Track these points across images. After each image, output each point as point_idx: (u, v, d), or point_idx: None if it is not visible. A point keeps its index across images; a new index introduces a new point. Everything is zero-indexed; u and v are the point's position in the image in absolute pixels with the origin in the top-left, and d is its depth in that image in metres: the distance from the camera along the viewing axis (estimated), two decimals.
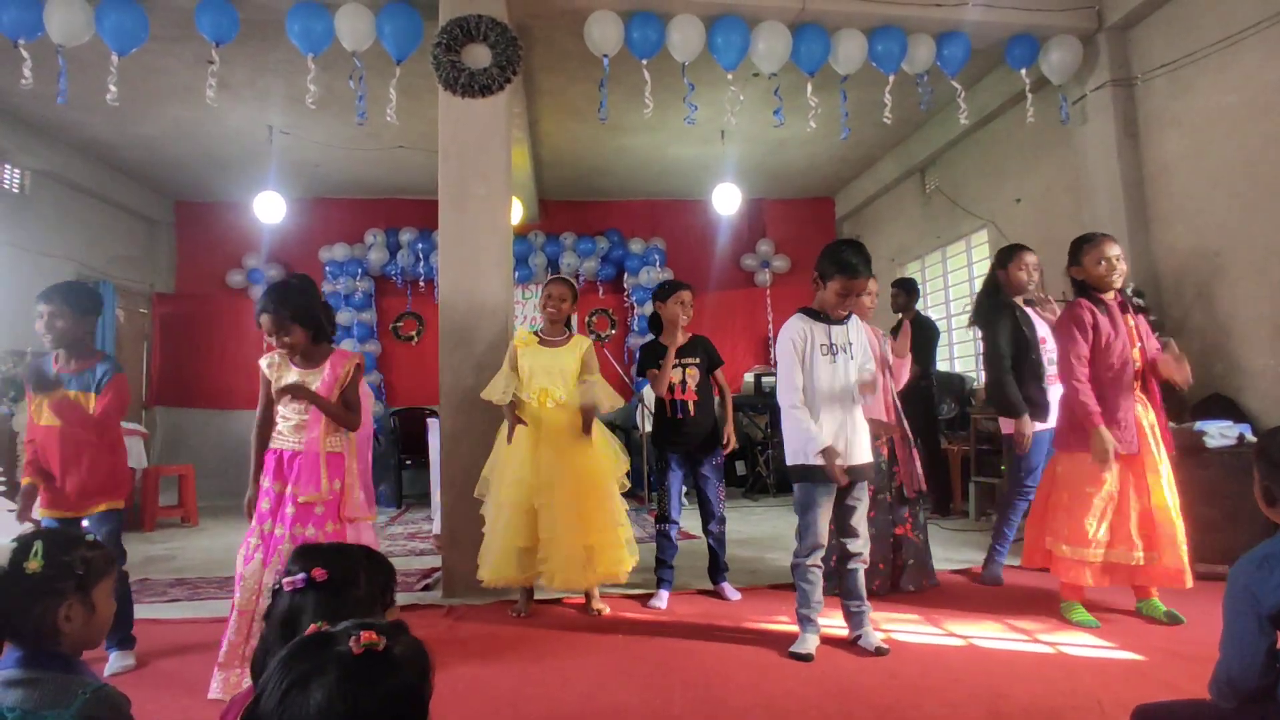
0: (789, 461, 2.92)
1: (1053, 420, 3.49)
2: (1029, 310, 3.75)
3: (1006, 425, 3.76)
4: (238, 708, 1.35)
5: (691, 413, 3.68)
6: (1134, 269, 4.80)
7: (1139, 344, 3.08)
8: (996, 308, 3.75)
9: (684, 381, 3.69)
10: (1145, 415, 3.06)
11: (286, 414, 2.73)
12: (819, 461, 2.75)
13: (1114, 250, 3.08)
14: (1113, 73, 4.95)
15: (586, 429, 3.43)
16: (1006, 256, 3.84)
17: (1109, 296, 3.11)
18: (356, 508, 2.70)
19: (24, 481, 2.87)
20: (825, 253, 2.91)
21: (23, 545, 1.38)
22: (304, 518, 2.60)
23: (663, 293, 3.79)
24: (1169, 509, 2.95)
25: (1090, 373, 3.03)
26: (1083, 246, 3.13)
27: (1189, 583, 2.91)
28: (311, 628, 1.02)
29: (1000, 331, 3.66)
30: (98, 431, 2.85)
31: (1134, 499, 2.96)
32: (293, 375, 2.73)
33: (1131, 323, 3.10)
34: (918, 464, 3.69)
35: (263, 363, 2.80)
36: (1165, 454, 3.04)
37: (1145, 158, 4.90)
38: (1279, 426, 1.85)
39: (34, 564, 1.36)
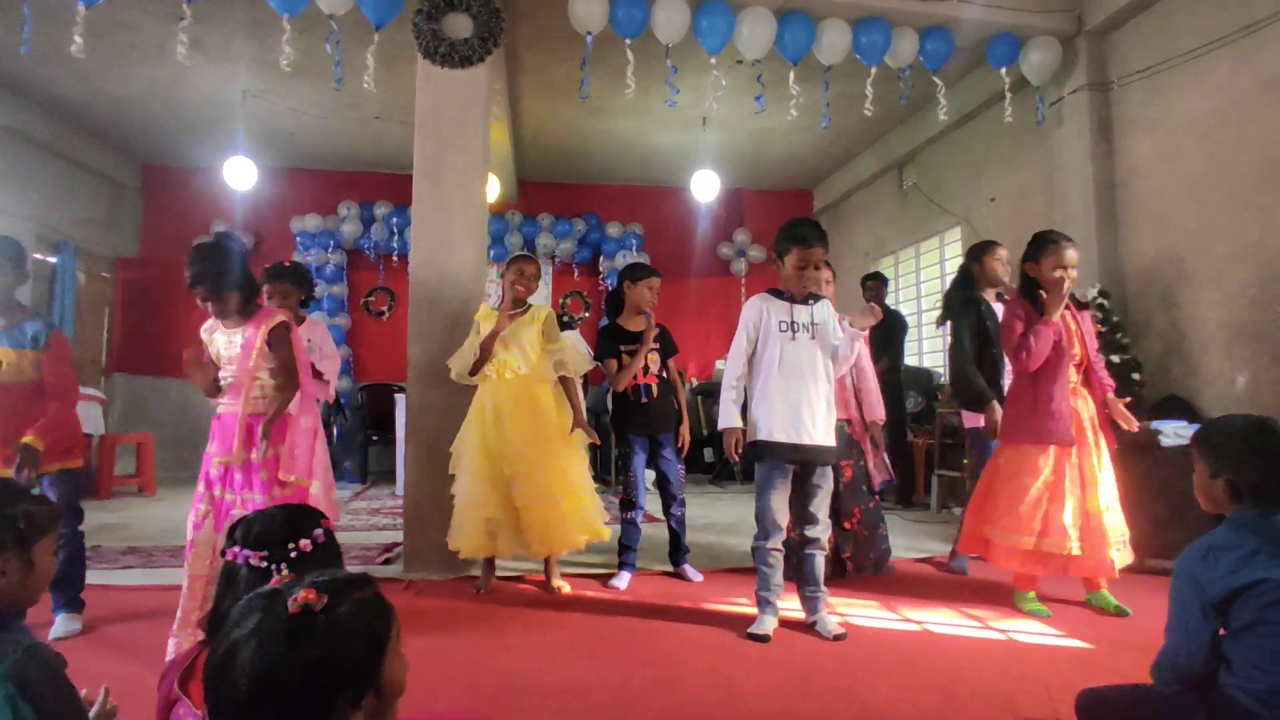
0: (749, 438, 2.92)
1: None
2: (995, 305, 3.80)
3: (970, 419, 3.81)
4: (175, 669, 1.33)
5: (655, 394, 3.69)
6: (1100, 271, 4.89)
7: (1077, 341, 3.12)
8: (964, 301, 3.79)
9: (645, 366, 3.69)
10: (1085, 409, 3.12)
11: (225, 375, 2.68)
12: (728, 431, 2.88)
13: (1073, 257, 3.09)
14: (1090, 76, 5.02)
15: (578, 421, 3.46)
16: (980, 250, 3.89)
17: None
18: (291, 468, 2.61)
19: None
20: (780, 231, 2.96)
21: None
22: (250, 483, 2.56)
23: (634, 274, 3.74)
24: (1099, 502, 3.01)
25: (1024, 366, 3.10)
26: (1045, 247, 3.12)
27: (1115, 574, 3.01)
28: (275, 579, 1.00)
29: (964, 325, 3.70)
30: (62, 391, 2.81)
31: (1069, 490, 3.02)
32: (222, 336, 2.68)
33: (1071, 320, 3.13)
34: (883, 454, 3.74)
35: (204, 329, 2.76)
36: (1106, 448, 3.10)
37: (1117, 162, 4.98)
38: (1219, 418, 1.89)
39: None
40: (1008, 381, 3.59)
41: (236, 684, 0.87)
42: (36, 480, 2.71)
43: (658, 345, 3.72)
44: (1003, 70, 5.03)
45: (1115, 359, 4.33)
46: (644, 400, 3.66)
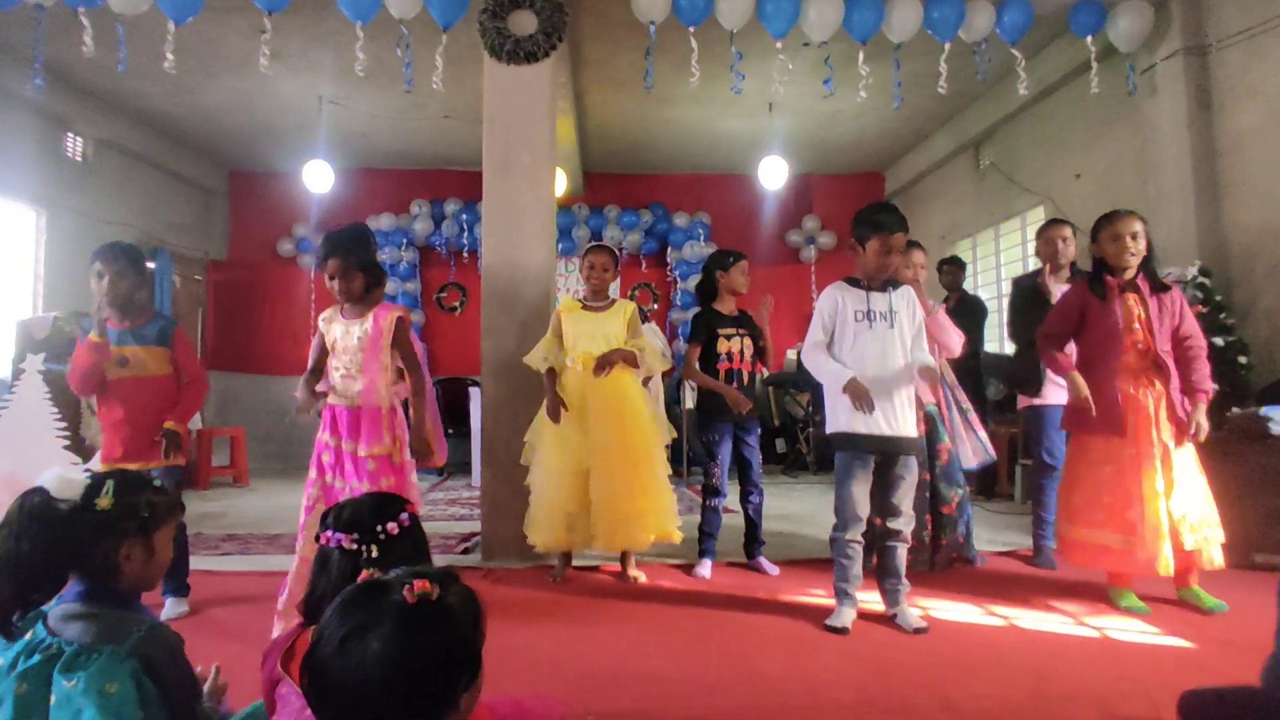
0: (828, 430, 2.88)
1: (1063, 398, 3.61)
2: (1044, 281, 3.78)
3: (1023, 403, 3.84)
4: (278, 650, 1.39)
5: (745, 382, 3.67)
6: (1200, 248, 4.59)
7: (1139, 326, 2.92)
8: (1020, 287, 3.93)
9: (741, 351, 3.67)
10: (1150, 397, 2.90)
11: (337, 365, 2.72)
12: (848, 396, 2.71)
13: (1131, 228, 2.94)
14: (1185, 40, 4.70)
15: (599, 368, 3.35)
16: (1039, 233, 3.92)
17: (1128, 275, 2.97)
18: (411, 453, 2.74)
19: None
20: (857, 218, 2.88)
21: (95, 482, 1.44)
22: (360, 473, 2.63)
23: (725, 261, 3.75)
24: (1156, 497, 2.81)
25: (1082, 351, 3.05)
26: (1101, 223, 3.05)
27: (1199, 567, 2.84)
28: (364, 574, 1.05)
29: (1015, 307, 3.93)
30: (196, 378, 3.07)
31: (1128, 482, 2.86)
32: (340, 326, 2.75)
33: (1136, 303, 2.94)
34: (980, 432, 3.63)
35: (321, 318, 2.83)
36: (1172, 441, 2.87)
37: (1218, 130, 4.66)
38: None
39: (105, 501, 1.41)
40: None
41: (362, 673, 0.91)
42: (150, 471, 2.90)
43: (750, 332, 3.71)
44: (1088, 39, 4.77)
45: (1219, 341, 4.05)
46: (735, 385, 3.64)
